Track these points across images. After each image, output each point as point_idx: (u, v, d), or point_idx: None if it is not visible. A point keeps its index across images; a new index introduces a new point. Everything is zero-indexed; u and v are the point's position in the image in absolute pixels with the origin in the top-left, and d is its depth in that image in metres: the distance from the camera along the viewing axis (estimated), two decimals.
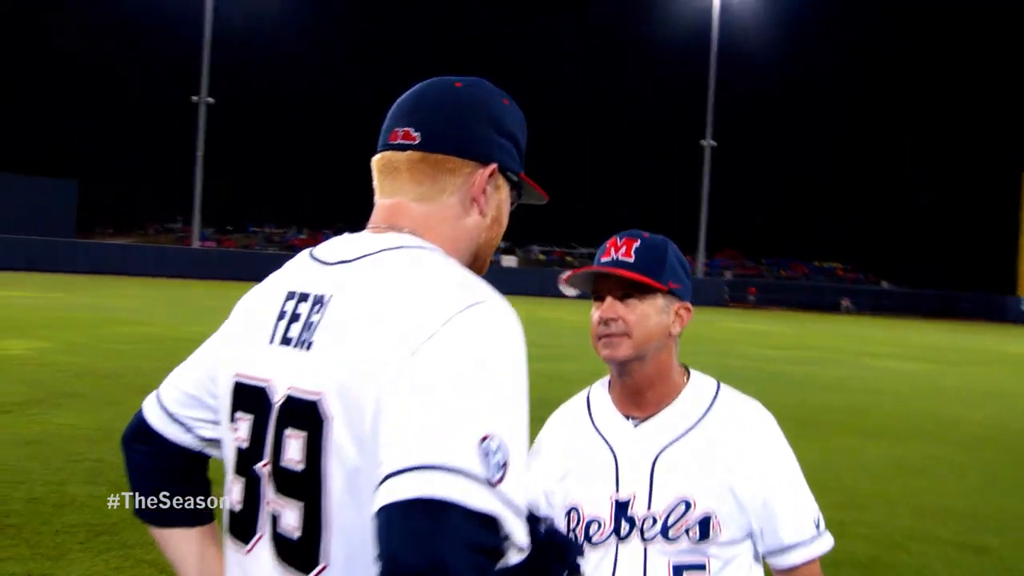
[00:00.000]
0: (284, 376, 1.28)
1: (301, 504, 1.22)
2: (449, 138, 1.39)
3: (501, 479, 1.05)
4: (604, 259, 1.99)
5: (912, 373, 19.10)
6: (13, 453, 7.06)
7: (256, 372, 1.33)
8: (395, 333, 1.16)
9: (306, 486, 1.21)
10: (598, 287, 2.00)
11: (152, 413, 1.56)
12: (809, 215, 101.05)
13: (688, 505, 1.88)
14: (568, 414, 2.12)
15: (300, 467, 1.22)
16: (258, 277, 1.53)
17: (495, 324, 1.17)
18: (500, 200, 1.45)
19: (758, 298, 61.14)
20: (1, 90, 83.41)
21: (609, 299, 1.97)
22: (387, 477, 1.04)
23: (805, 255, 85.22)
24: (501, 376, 1.13)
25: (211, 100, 56.83)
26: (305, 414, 1.22)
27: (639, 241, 1.98)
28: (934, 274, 79.36)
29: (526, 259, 77.41)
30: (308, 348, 1.25)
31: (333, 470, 1.19)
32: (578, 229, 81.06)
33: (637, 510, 1.91)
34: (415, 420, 1.08)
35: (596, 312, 1.99)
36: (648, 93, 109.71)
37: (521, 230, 77.63)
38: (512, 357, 1.15)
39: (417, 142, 1.39)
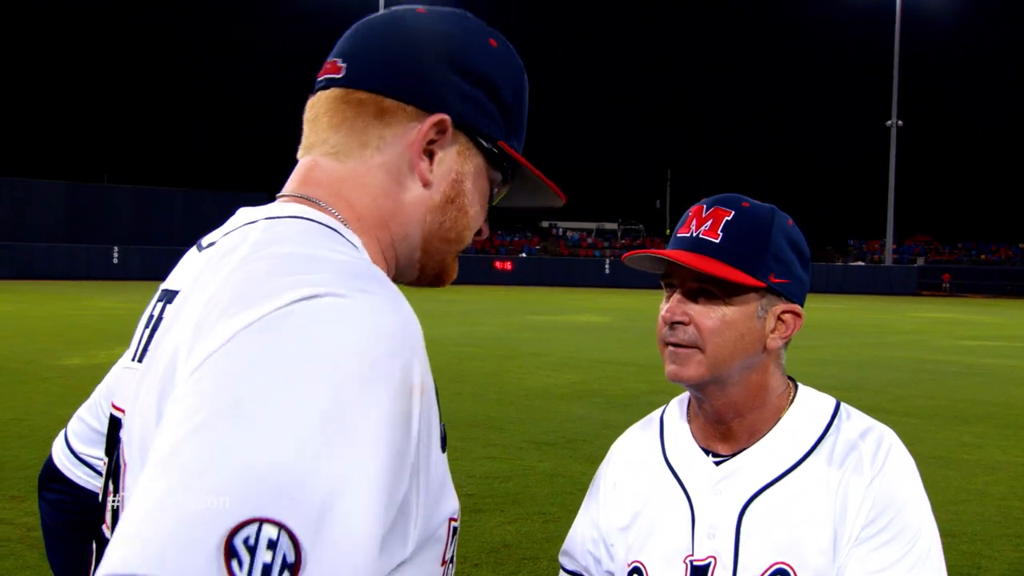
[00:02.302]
0: (130, 406, 0.92)
1: None
2: (381, 70, 0.97)
3: None
4: (681, 234, 1.46)
5: None
6: None
7: (119, 400, 1.02)
8: (187, 347, 0.78)
9: None
10: (670, 270, 1.47)
11: (58, 452, 1.27)
12: (1013, 193, 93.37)
13: (786, 575, 1.38)
14: (635, 442, 1.62)
15: (109, 535, 0.90)
16: None
17: (334, 327, 0.75)
18: (460, 172, 1.01)
19: (954, 284, 56.84)
20: (191, 108, 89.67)
21: (679, 293, 1.44)
22: None
23: (1010, 237, 78.69)
24: (320, 413, 0.70)
25: None
26: (117, 460, 0.89)
27: (732, 213, 1.44)
28: None
29: None
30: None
31: None
32: None
33: None
34: (140, 492, 0.68)
35: (664, 306, 1.47)
36: (828, 74, 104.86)
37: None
38: (359, 380, 0.73)
39: (341, 75, 0.99)
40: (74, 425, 1.26)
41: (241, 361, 0.73)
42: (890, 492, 1.38)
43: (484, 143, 1.03)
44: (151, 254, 48.53)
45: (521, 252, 65.24)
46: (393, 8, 1.06)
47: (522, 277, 52.97)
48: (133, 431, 0.86)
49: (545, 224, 75.13)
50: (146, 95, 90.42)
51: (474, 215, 1.04)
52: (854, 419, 1.47)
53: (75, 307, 25.03)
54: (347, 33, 1.06)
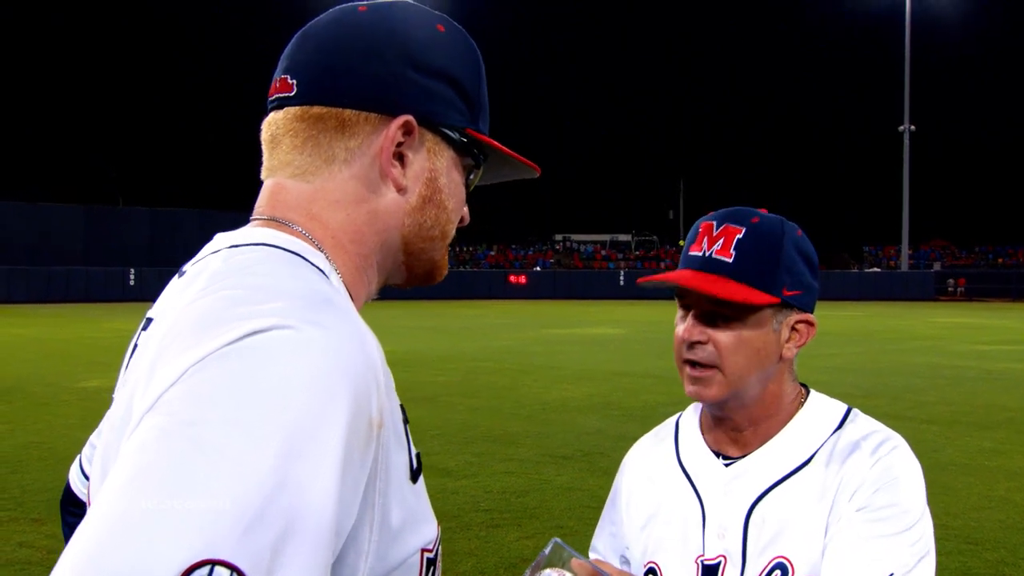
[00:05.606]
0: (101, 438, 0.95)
1: None
2: (334, 82, 0.95)
3: None
4: (693, 252, 1.48)
5: None
6: None
7: None
8: (144, 381, 0.78)
9: None
10: (683, 289, 1.49)
11: (73, 477, 1.33)
12: None
13: (785, 571, 1.40)
14: (652, 445, 1.66)
15: None
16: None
17: (285, 362, 0.74)
18: (433, 170, 1.00)
19: (971, 289, 56.38)
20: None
21: (694, 315, 1.46)
22: None
23: None
24: (272, 453, 0.69)
25: None
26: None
27: (743, 230, 1.45)
28: None
29: None
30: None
31: None
32: None
33: None
34: (87, 528, 0.66)
35: (680, 326, 1.49)
36: (839, 80, 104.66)
37: None
38: (311, 417, 0.72)
39: (293, 93, 0.97)
40: (86, 450, 1.29)
41: (192, 398, 0.72)
42: (888, 477, 1.38)
43: (452, 134, 1.01)
44: (167, 276, 48.56)
45: (535, 266, 65.31)
46: (333, 10, 1.02)
47: (536, 291, 52.96)
48: (96, 464, 0.86)
49: (559, 237, 75.25)
50: (158, 114, 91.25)
51: (453, 208, 1.03)
52: (860, 422, 1.49)
53: (93, 330, 25.20)
54: (291, 45, 1.02)
